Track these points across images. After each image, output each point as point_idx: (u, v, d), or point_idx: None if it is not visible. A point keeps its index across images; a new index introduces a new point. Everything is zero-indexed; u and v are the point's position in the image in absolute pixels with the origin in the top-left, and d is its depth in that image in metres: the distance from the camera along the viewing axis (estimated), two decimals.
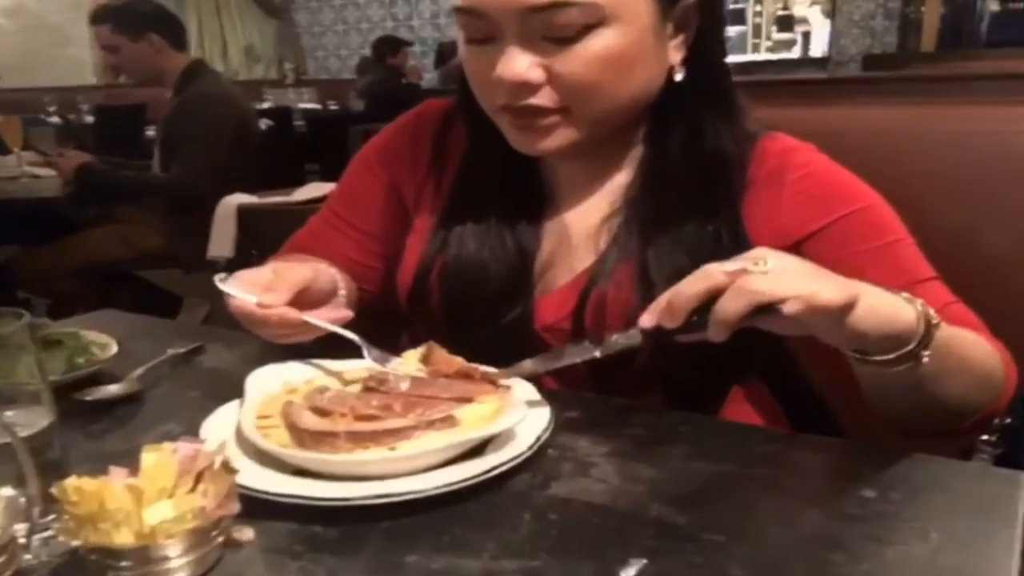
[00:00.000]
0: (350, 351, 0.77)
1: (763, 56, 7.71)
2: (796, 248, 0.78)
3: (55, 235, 2.80)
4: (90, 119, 5.02)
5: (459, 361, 0.73)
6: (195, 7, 7.84)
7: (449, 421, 0.63)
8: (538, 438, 0.63)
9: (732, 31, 7.87)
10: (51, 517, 0.53)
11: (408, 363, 0.75)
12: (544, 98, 0.75)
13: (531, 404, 0.68)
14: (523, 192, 0.88)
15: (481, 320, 0.84)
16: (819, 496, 0.58)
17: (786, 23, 7.81)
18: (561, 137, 0.78)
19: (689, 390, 0.83)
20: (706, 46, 0.80)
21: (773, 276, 0.58)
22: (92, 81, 6.19)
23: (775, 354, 0.88)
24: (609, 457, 0.64)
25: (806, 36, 7.26)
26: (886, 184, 0.82)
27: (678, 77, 0.79)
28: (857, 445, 0.66)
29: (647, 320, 0.63)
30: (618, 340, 0.67)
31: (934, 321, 0.63)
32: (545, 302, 0.84)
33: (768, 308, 0.57)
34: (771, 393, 0.89)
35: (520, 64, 0.73)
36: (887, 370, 0.63)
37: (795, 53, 7.18)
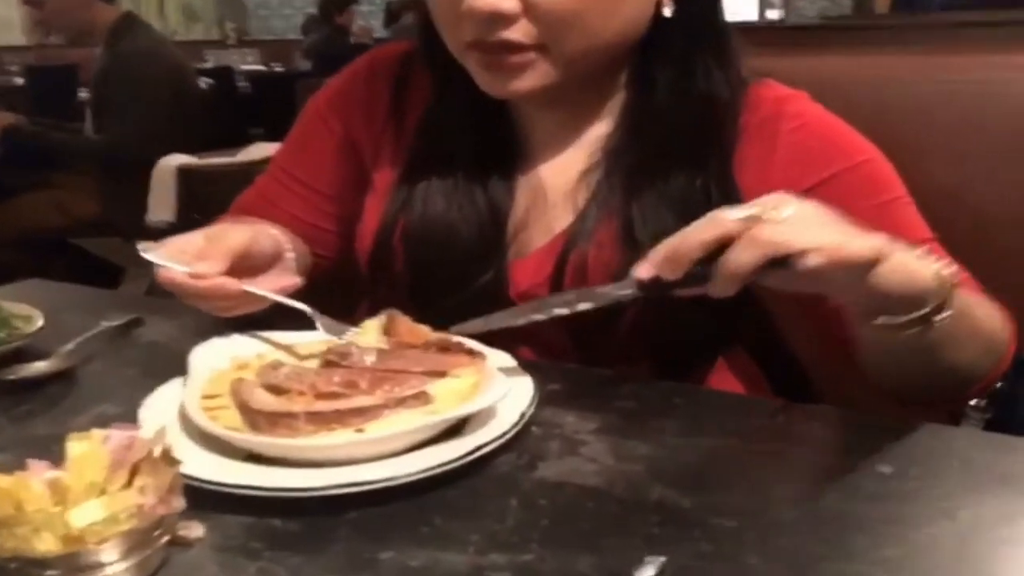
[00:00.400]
0: (302, 323, 0.70)
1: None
2: None
3: None
4: (20, 80, 4.79)
5: (424, 330, 0.66)
6: None
7: (422, 398, 0.57)
8: (522, 415, 0.57)
9: None
10: None
11: (367, 334, 0.68)
12: (518, 32, 0.68)
13: (511, 376, 0.62)
14: (493, 144, 0.80)
15: (449, 286, 0.76)
16: (832, 473, 0.53)
17: None
18: (536, 77, 0.71)
19: (676, 359, 0.77)
20: None
21: (791, 225, 0.53)
22: (21, 41, 5.88)
23: (758, 320, 0.83)
24: (599, 434, 0.58)
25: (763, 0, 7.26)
26: (873, 137, 0.77)
27: (667, 12, 0.73)
28: (863, 416, 0.61)
29: (645, 270, 0.58)
30: (610, 291, 0.62)
31: (953, 282, 0.58)
32: (520, 266, 0.77)
33: (783, 261, 0.52)
34: (755, 362, 0.84)
35: None
36: (898, 334, 0.58)
37: (752, 16, 7.16)
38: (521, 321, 0.66)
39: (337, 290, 0.93)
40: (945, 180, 0.85)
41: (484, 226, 0.77)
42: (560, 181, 0.79)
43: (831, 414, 0.63)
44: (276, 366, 0.63)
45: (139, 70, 2.46)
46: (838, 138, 0.75)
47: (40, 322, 0.79)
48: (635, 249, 0.70)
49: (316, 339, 0.69)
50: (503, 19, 0.67)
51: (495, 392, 0.56)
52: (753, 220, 0.53)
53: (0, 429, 0.62)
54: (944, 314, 0.57)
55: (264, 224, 0.79)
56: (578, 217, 0.76)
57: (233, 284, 0.66)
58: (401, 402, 0.56)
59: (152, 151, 2.30)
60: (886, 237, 0.55)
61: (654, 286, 0.57)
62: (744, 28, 0.93)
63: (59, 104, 3.60)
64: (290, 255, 0.77)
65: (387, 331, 0.68)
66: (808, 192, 0.72)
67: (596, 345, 0.73)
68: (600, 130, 0.79)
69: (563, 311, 0.64)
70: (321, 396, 0.57)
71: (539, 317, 0.65)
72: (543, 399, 0.61)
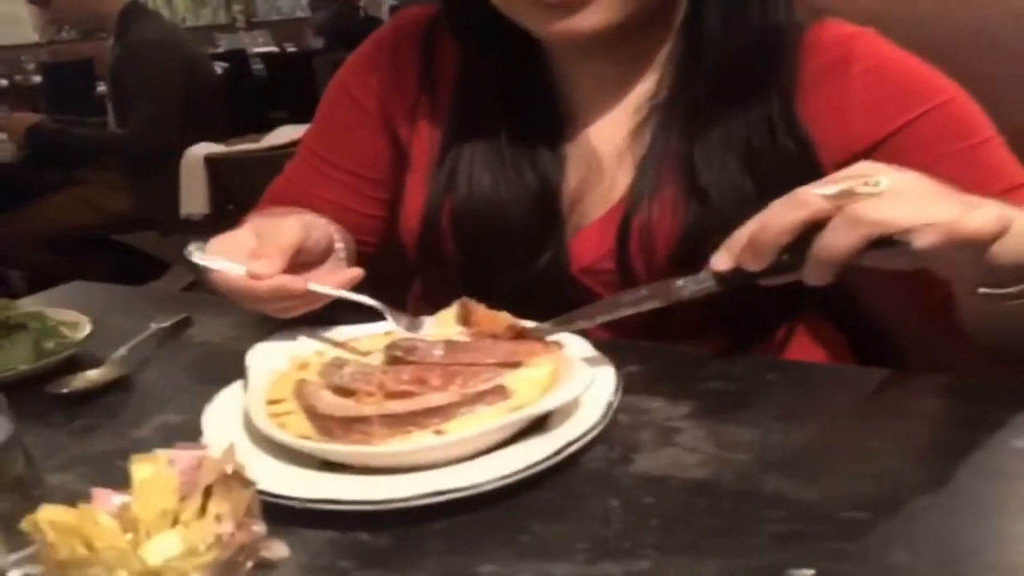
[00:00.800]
0: (365, 317, 0.66)
1: None
2: (870, 153, 0.66)
3: (16, 203, 2.65)
4: (37, 79, 4.79)
5: (505, 317, 0.61)
6: None
7: (500, 392, 0.53)
8: (609, 404, 0.53)
9: None
10: (26, 552, 0.42)
11: (444, 326, 0.64)
12: None
13: (589, 362, 0.57)
14: (535, 112, 0.74)
15: (506, 267, 0.72)
16: (963, 451, 0.48)
17: None
18: (600, 12, 0.64)
19: (753, 327, 0.73)
20: None
21: (892, 199, 0.47)
22: (34, 38, 5.87)
23: (838, 286, 0.78)
24: (693, 419, 0.54)
25: None
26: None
27: None
28: (984, 383, 0.56)
29: (723, 262, 0.53)
30: (686, 286, 0.57)
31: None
32: (579, 240, 0.72)
33: (888, 241, 0.46)
34: (835, 327, 0.79)
35: None
36: (1004, 302, 0.53)
37: None
38: (590, 324, 0.61)
39: (382, 278, 0.90)
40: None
41: (536, 201, 0.72)
42: (612, 143, 0.74)
43: (948, 383, 0.57)
44: (339, 364, 0.59)
45: (152, 60, 2.43)
46: (916, 78, 0.69)
47: (88, 328, 0.76)
48: (704, 199, 0.65)
49: (375, 331, 0.66)
50: None
51: (578, 382, 0.51)
52: (846, 196, 0.47)
53: (59, 447, 0.59)
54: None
55: (309, 214, 0.74)
56: (636, 177, 0.70)
57: (296, 283, 0.61)
58: (478, 398, 0.52)
59: (176, 141, 2.27)
60: (1002, 203, 0.49)
61: (735, 278, 0.52)
62: None
63: (78, 99, 3.59)
64: (340, 245, 0.72)
65: (464, 321, 0.63)
66: (889, 137, 0.67)
67: (668, 317, 0.68)
68: (648, 84, 0.74)
69: (631, 311, 0.59)
70: (392, 396, 0.54)
71: (608, 318, 0.60)
72: (625, 384, 0.56)
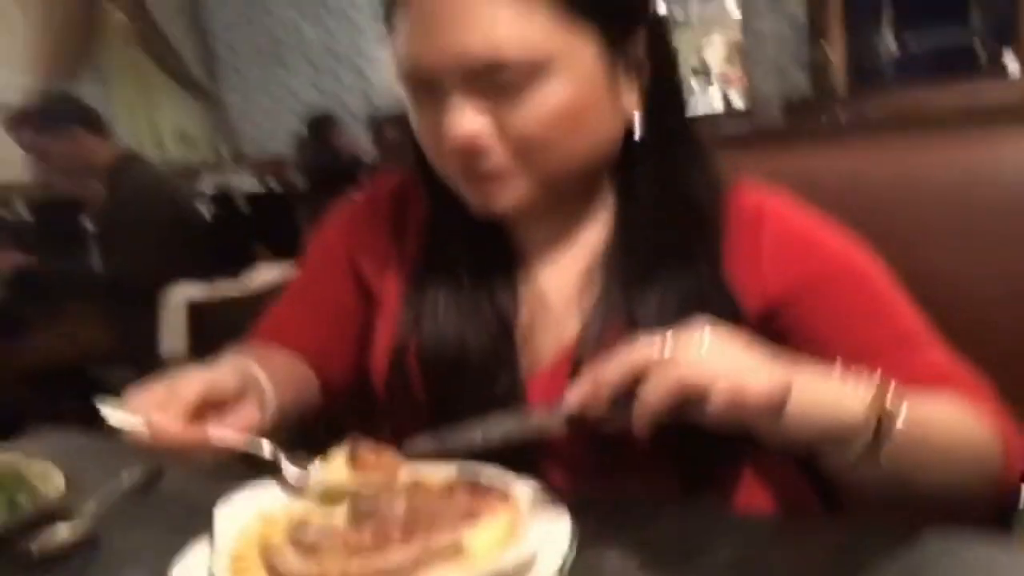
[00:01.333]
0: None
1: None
2: (782, 306, 0.74)
3: None
4: (27, 216, 4.89)
5: (391, 457, 0.66)
6: (122, 98, 7.76)
7: (457, 550, 0.55)
8: (563, 560, 0.55)
9: None
10: None
11: (333, 469, 0.67)
12: (495, 159, 0.71)
13: (545, 515, 0.60)
14: (494, 255, 0.82)
15: (468, 402, 0.76)
16: None
17: (703, 72, 8.06)
18: (515, 193, 0.73)
19: (707, 467, 0.76)
20: (663, 90, 0.76)
21: (699, 362, 0.52)
22: (25, 177, 6.03)
23: None
24: (645, 571, 0.56)
25: (725, 95, 7.54)
26: (869, 231, 0.78)
27: (637, 123, 0.75)
28: (936, 533, 0.57)
29: (568, 403, 0.57)
30: (539, 419, 0.61)
31: (894, 414, 0.56)
32: (536, 381, 0.77)
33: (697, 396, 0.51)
34: (795, 468, 0.82)
35: (467, 121, 0.69)
36: (840, 467, 0.58)
37: (718, 105, 7.45)
38: (463, 444, 0.64)
39: (360, 415, 0.93)
40: (939, 265, 0.86)
41: (495, 338, 0.78)
42: (562, 288, 0.80)
43: (904, 534, 0.58)
44: (303, 524, 0.61)
45: (142, 208, 2.51)
46: (820, 237, 0.77)
47: (60, 483, 0.77)
48: None
49: (342, 475, 0.68)
50: (480, 149, 0.70)
51: (530, 542, 0.54)
52: (667, 353, 0.53)
53: None
54: (884, 446, 0.56)
55: (259, 358, 0.78)
56: (584, 327, 0.76)
57: (196, 433, 0.65)
58: (436, 555, 0.54)
59: (157, 281, 2.33)
60: (807, 369, 0.55)
61: (580, 421, 0.57)
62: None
63: (66, 238, 3.66)
64: (265, 387, 0.74)
65: (353, 462, 0.66)
66: (796, 293, 0.74)
67: (621, 457, 0.72)
68: (594, 235, 0.81)
69: (494, 440, 0.63)
70: (354, 552, 0.56)
71: (478, 441, 0.64)
72: (580, 536, 0.59)
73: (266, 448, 0.68)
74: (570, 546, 0.57)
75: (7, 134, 2.73)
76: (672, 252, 0.75)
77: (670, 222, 0.76)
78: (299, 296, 0.94)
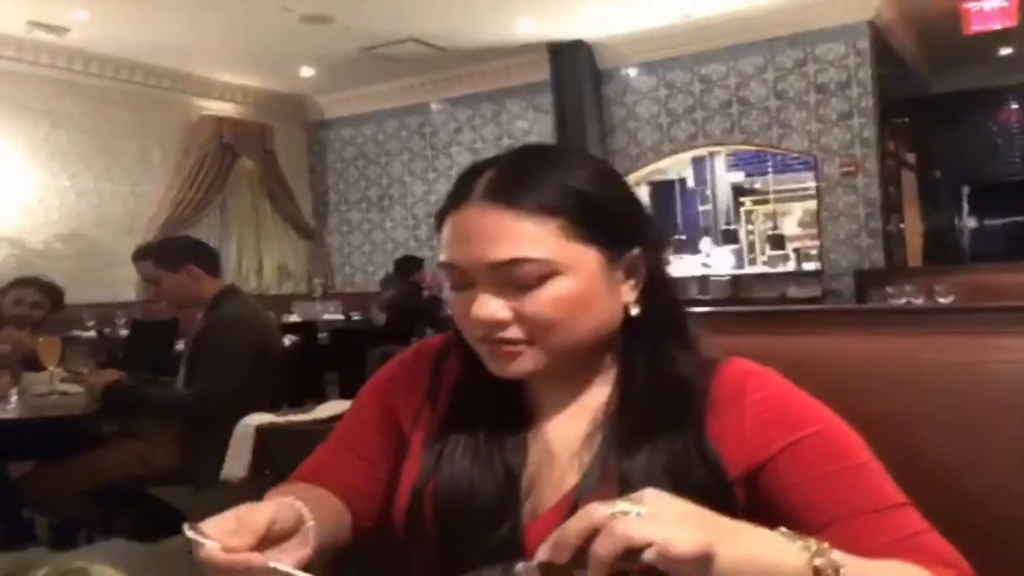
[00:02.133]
0: None
1: (760, 269, 8.09)
2: (762, 470, 0.83)
3: (70, 451, 2.80)
4: (125, 332, 5.24)
5: None
6: (237, 233, 8.45)
7: None
8: None
9: (728, 249, 8.32)
10: None
11: None
12: (512, 332, 0.86)
13: None
14: (510, 412, 0.94)
15: (473, 543, 0.86)
16: None
17: (778, 241, 8.27)
18: (528, 363, 0.87)
19: None
20: (657, 287, 0.91)
21: (643, 520, 0.61)
22: (131, 296, 6.50)
23: None
24: None
25: (797, 252, 7.67)
26: (870, 414, 0.86)
27: (633, 312, 0.90)
28: None
29: (540, 553, 0.66)
30: (516, 570, 0.68)
31: (833, 570, 0.64)
32: (534, 527, 0.87)
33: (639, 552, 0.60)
34: None
35: (490, 306, 0.85)
36: None
37: (790, 267, 7.56)
38: None
39: (384, 550, 1.03)
40: (936, 452, 0.93)
41: (501, 485, 0.89)
42: (566, 442, 0.91)
43: None
44: None
45: (231, 334, 2.73)
46: (797, 408, 0.86)
47: None
48: None
49: None
50: (500, 324, 0.86)
51: None
52: (617, 513, 0.62)
53: None
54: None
55: (302, 495, 0.89)
56: (581, 479, 0.87)
57: (258, 559, 0.75)
58: None
59: (235, 407, 2.49)
60: (745, 530, 0.65)
61: (552, 568, 0.65)
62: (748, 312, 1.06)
63: (157, 357, 3.90)
64: (310, 523, 0.85)
65: None
66: (774, 457, 0.83)
67: None
68: (598, 398, 0.93)
69: None
70: None
71: None
72: None
73: None
74: None
75: (133, 263, 3.01)
76: (661, 420, 0.86)
77: (660, 394, 0.88)
78: (343, 439, 1.07)
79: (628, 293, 0.90)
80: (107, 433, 2.97)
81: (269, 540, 0.79)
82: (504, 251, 0.84)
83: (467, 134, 8.52)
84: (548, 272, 0.84)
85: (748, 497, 0.84)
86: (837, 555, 0.66)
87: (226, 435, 2.40)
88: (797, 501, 0.80)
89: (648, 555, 0.59)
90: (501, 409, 0.94)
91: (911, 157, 8.69)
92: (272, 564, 0.76)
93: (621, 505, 0.63)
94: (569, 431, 0.92)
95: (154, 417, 2.90)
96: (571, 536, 0.63)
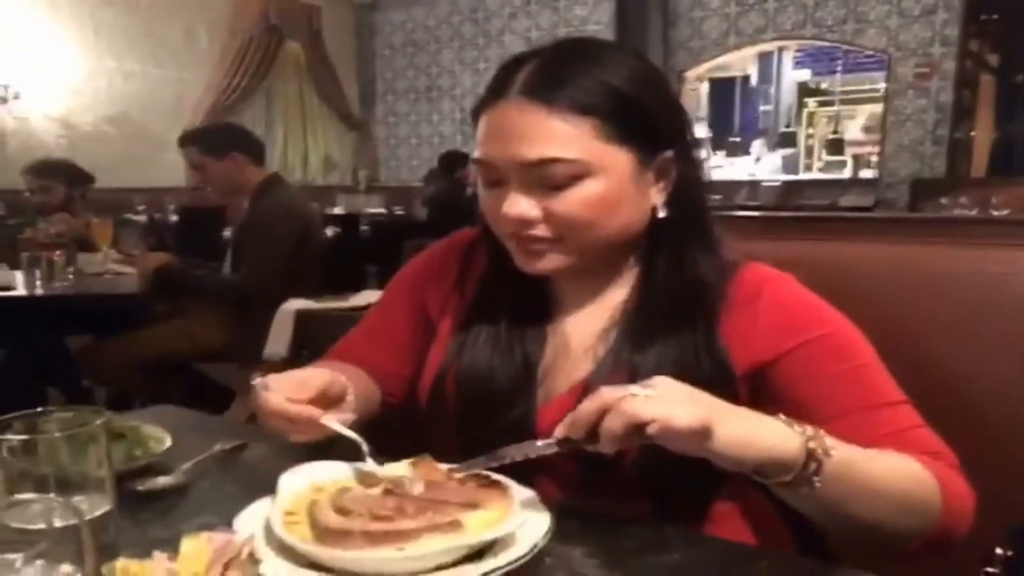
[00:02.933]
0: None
1: (814, 175, 7.83)
2: (769, 368, 0.86)
3: (126, 328, 2.97)
4: (174, 218, 5.38)
5: (441, 469, 0.80)
6: (283, 121, 8.40)
7: (455, 525, 0.69)
8: (535, 545, 0.68)
9: (783, 152, 8.03)
10: None
11: (399, 468, 0.82)
12: (541, 231, 0.88)
13: (534, 514, 0.73)
14: (532, 305, 0.98)
15: (488, 422, 0.92)
16: None
17: (836, 146, 7.95)
18: (555, 261, 0.90)
19: (677, 500, 0.88)
20: (686, 190, 0.91)
21: (649, 400, 0.67)
22: (181, 182, 6.61)
23: None
24: (602, 568, 0.68)
25: (856, 159, 7.38)
26: (886, 315, 0.88)
27: (661, 213, 0.91)
28: (836, 568, 0.69)
29: (558, 431, 0.73)
30: (539, 446, 0.76)
31: (824, 452, 0.70)
32: (546, 409, 0.92)
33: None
34: (768, 504, 0.91)
35: (521, 205, 0.87)
36: (785, 492, 0.71)
37: (846, 174, 7.30)
38: (490, 464, 0.79)
39: (405, 425, 1.09)
40: (951, 355, 0.95)
41: (518, 371, 0.94)
42: (582, 337, 0.95)
43: (806, 566, 0.70)
44: (345, 491, 0.77)
45: (274, 223, 2.79)
46: (808, 311, 0.88)
47: (168, 443, 0.97)
48: None
49: (382, 470, 0.83)
50: (528, 223, 0.88)
51: (511, 524, 0.68)
52: (627, 395, 0.67)
53: (126, 530, 0.77)
54: (818, 479, 0.69)
55: (339, 370, 0.95)
56: (595, 368, 0.91)
57: (316, 412, 0.84)
58: (438, 527, 0.68)
59: (278, 292, 2.58)
60: (737, 411, 0.71)
61: (568, 443, 0.72)
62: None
63: (205, 242, 4.00)
64: (350, 396, 0.93)
65: (414, 466, 0.81)
66: (782, 357, 0.86)
67: (603, 480, 0.86)
68: (616, 297, 0.96)
69: (505, 461, 0.78)
70: (376, 518, 0.71)
71: (495, 464, 0.78)
72: (559, 534, 0.72)
73: (361, 443, 0.85)
74: (544, 535, 0.70)
75: (179, 148, 3.06)
76: (675, 318, 0.89)
77: (677, 294, 0.90)
78: (374, 323, 1.12)
79: (657, 195, 0.91)
80: (159, 312, 3.09)
81: (321, 403, 0.86)
82: (536, 150, 0.84)
83: (521, 21, 8.19)
84: (580, 172, 0.85)
85: (752, 394, 0.87)
86: (830, 440, 0.72)
87: (269, 318, 2.51)
88: (800, 397, 0.84)
89: (651, 429, 0.64)
90: (524, 302, 0.97)
91: (994, 59, 8.16)
92: (325, 421, 0.83)
93: (632, 388, 0.68)
94: (587, 326, 0.95)
95: (202, 299, 3.01)
96: (585, 415, 0.69)
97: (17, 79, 6.15)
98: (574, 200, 0.86)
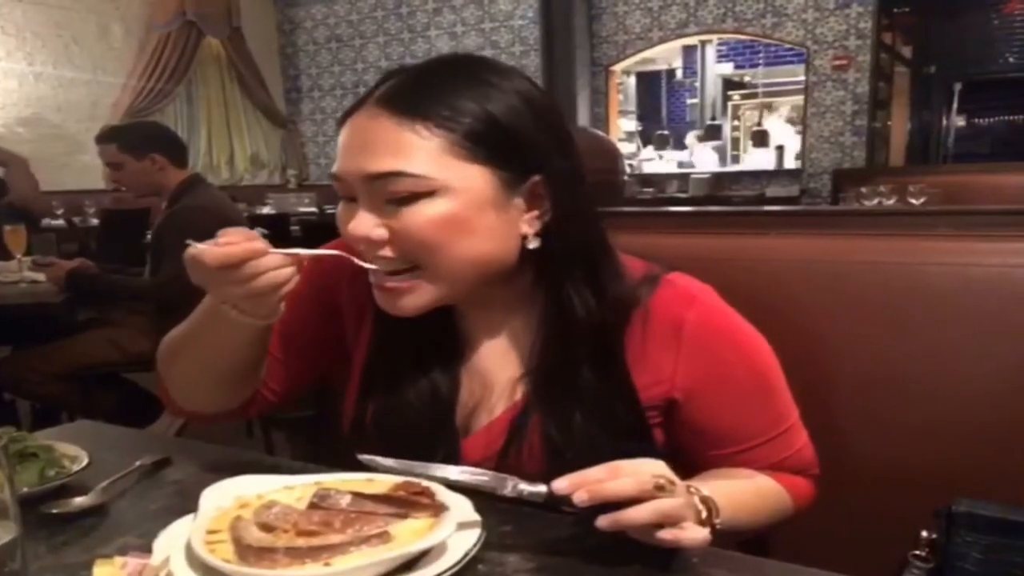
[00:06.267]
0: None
1: (742, 167, 8.02)
2: (687, 398, 0.88)
3: (48, 338, 2.85)
4: (95, 221, 5.18)
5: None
6: (206, 120, 8.17)
7: (384, 537, 0.68)
8: (466, 554, 0.67)
9: (711, 144, 8.20)
10: None
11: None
12: (389, 252, 0.82)
13: (465, 521, 0.72)
14: (441, 337, 0.93)
15: (416, 457, 0.86)
16: None
17: (761, 138, 8.17)
18: (420, 296, 0.84)
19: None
20: (563, 221, 0.85)
21: (679, 505, 0.70)
22: (100, 185, 6.38)
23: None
24: (535, 572, 0.68)
25: (780, 150, 7.59)
26: (809, 307, 0.90)
27: (531, 246, 0.85)
28: (764, 562, 0.70)
29: (560, 487, 0.69)
30: (522, 490, 0.74)
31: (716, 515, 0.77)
32: (469, 443, 0.91)
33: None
34: None
35: (365, 222, 0.82)
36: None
37: (770, 166, 7.51)
38: (437, 476, 0.76)
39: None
40: (925, 352, 0.99)
41: (435, 416, 0.91)
42: (497, 371, 0.93)
43: (732, 559, 0.71)
44: (270, 506, 0.74)
45: (192, 223, 2.69)
46: (729, 343, 0.90)
47: (85, 462, 0.92)
48: (554, 450, 0.86)
49: (308, 481, 0.81)
50: (375, 243, 0.82)
51: (440, 534, 0.66)
52: (659, 487, 0.68)
53: (38, 557, 0.74)
54: (717, 522, 0.76)
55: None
56: (520, 411, 0.90)
57: (262, 244, 0.79)
58: (365, 540, 0.67)
59: (199, 294, 2.50)
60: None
61: (555, 499, 0.70)
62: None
63: (128, 246, 3.87)
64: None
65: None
66: (705, 388, 0.88)
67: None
68: (525, 331, 0.93)
69: (473, 484, 0.76)
70: (301, 533, 0.69)
71: (454, 480, 0.76)
72: (495, 539, 0.71)
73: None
74: (475, 544, 0.69)
75: (96, 145, 2.94)
76: (577, 361, 0.88)
77: (572, 334, 0.87)
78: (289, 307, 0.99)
79: (527, 224, 0.85)
80: (82, 321, 2.98)
81: None
82: (380, 163, 0.79)
83: (447, 15, 8.15)
84: (426, 189, 0.79)
85: (663, 417, 0.89)
86: (717, 501, 0.78)
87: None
88: (715, 426, 0.89)
89: (664, 534, 0.68)
90: (431, 336, 0.92)
91: (907, 51, 8.45)
92: (274, 251, 0.79)
93: (655, 473, 0.70)
94: (499, 359, 0.93)
95: (123, 305, 2.91)
96: (607, 491, 0.68)
97: None
98: (418, 218, 0.80)
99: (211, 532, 0.71)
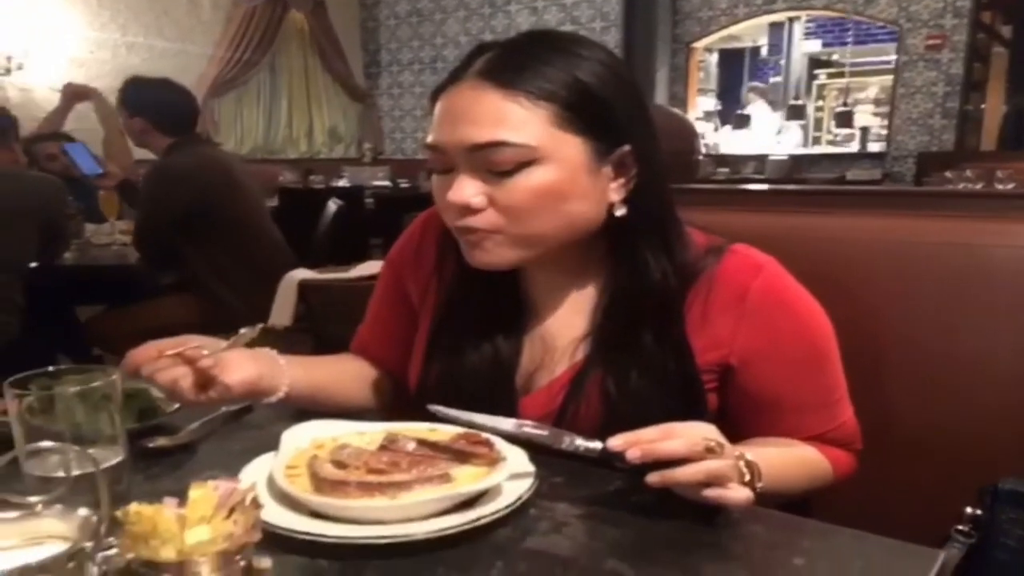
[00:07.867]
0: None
1: (823, 149, 7.77)
2: (744, 365, 0.91)
3: (136, 299, 3.00)
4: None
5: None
6: (288, 93, 8.36)
7: (445, 478, 0.74)
8: (519, 497, 0.73)
9: (793, 124, 7.98)
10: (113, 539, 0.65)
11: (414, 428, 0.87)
12: (482, 221, 0.86)
13: (520, 469, 0.78)
14: (505, 302, 0.98)
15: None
16: (755, 562, 0.66)
17: (845, 119, 7.90)
18: (499, 255, 0.88)
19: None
20: (645, 190, 0.90)
21: (727, 468, 0.72)
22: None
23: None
24: (582, 519, 0.73)
25: (864, 132, 7.33)
26: (868, 282, 0.91)
27: (618, 213, 0.89)
28: (804, 521, 0.73)
29: (615, 444, 0.73)
30: (579, 445, 0.78)
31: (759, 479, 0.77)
32: (528, 401, 0.95)
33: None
34: None
35: (466, 191, 0.85)
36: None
37: (853, 148, 7.26)
38: (497, 428, 0.82)
39: None
40: (982, 331, 1.00)
41: (495, 379, 0.96)
42: (560, 335, 0.97)
43: (777, 518, 0.74)
44: (344, 447, 0.81)
45: (156, 187, 2.77)
46: (791, 314, 0.92)
47: (176, 405, 1.01)
48: (610, 405, 0.90)
49: (378, 428, 0.87)
50: (472, 211, 0.86)
51: (496, 477, 0.72)
52: (709, 450, 0.71)
53: (137, 484, 0.82)
54: (759, 486, 0.77)
55: (343, 366, 1.10)
56: (578, 372, 0.94)
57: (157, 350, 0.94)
58: (428, 480, 0.73)
59: (168, 254, 2.67)
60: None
61: (611, 457, 0.74)
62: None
63: None
64: (284, 389, 0.98)
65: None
66: (763, 357, 0.91)
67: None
68: (589, 296, 0.97)
69: (530, 437, 0.81)
70: (371, 471, 0.75)
71: (512, 432, 0.82)
72: (546, 488, 0.77)
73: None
74: (528, 489, 0.74)
75: None
76: (640, 325, 0.91)
77: (639, 300, 0.91)
78: (374, 314, 1.15)
79: (615, 192, 0.89)
80: (170, 285, 3.12)
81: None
82: (486, 133, 0.83)
83: None
84: (529, 159, 0.83)
85: (718, 382, 0.92)
86: (760, 466, 0.78)
87: (275, 288, 2.55)
88: (770, 393, 0.92)
89: (710, 494, 0.71)
90: (496, 299, 0.97)
91: (1007, 31, 8.03)
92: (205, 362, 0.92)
93: (706, 436, 0.73)
94: (563, 323, 0.97)
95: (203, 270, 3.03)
96: (659, 451, 0.71)
97: (20, 50, 6.13)
98: (519, 188, 0.83)
99: (290, 467, 0.78)
